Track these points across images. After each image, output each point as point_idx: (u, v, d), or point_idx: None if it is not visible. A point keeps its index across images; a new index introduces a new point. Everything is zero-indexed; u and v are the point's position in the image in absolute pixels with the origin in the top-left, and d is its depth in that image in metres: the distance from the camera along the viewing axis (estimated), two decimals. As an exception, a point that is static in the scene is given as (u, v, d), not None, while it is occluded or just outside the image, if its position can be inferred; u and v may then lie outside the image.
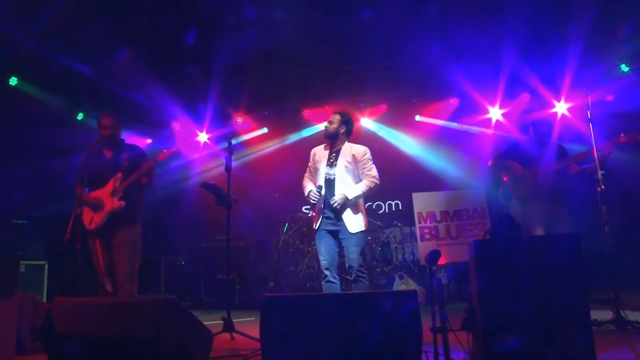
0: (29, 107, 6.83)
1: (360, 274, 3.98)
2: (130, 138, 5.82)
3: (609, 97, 7.00)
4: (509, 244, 2.69)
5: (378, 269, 6.70)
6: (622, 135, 4.26)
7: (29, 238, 6.26)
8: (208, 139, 8.78)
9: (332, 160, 4.19)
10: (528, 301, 2.46)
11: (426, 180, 7.90)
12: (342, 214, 4.02)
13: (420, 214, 6.98)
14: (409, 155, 8.39)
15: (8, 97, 6.64)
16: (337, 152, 4.21)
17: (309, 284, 6.67)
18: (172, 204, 8.09)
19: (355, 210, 4.06)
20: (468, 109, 8.13)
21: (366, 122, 8.53)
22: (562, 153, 4.65)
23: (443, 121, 8.34)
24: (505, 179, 4.82)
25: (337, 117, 4.26)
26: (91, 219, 4.18)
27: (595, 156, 4.07)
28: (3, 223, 6.13)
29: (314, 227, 4.18)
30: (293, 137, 8.79)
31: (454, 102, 8.15)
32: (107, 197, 4.18)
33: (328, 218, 4.07)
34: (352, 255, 3.98)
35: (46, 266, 6.06)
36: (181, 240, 8.27)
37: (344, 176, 4.10)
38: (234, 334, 4.06)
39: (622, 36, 6.39)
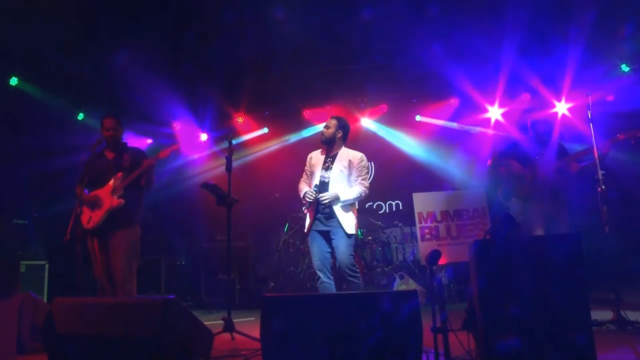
0: (29, 107, 6.84)
1: (351, 273, 3.99)
2: (130, 138, 5.84)
3: (610, 97, 7.00)
4: (509, 244, 2.69)
5: (378, 269, 6.69)
6: (620, 133, 4.26)
7: (30, 238, 6.26)
8: (208, 139, 8.78)
9: (327, 164, 4.22)
10: (528, 301, 2.46)
11: (426, 180, 7.89)
12: (334, 214, 4.05)
13: (420, 214, 6.97)
14: (410, 155, 8.39)
15: (8, 97, 6.65)
16: (334, 157, 4.24)
17: (309, 284, 6.66)
18: (172, 204, 8.09)
19: (347, 213, 4.09)
20: (468, 109, 8.13)
21: (366, 122, 8.53)
22: (562, 152, 4.64)
23: (443, 121, 8.34)
24: (502, 169, 4.80)
25: (333, 122, 4.29)
26: (89, 218, 4.17)
27: (596, 155, 4.06)
28: (3, 223, 6.13)
29: (305, 230, 4.20)
30: (293, 137, 8.78)
31: (454, 102, 8.15)
32: (107, 196, 4.18)
33: (319, 219, 4.10)
34: (342, 255, 4.00)
35: (47, 266, 6.07)
36: (181, 240, 8.27)
37: (338, 180, 4.13)
38: (235, 334, 4.06)
39: (623, 36, 6.39)
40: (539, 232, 4.44)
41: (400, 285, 6.35)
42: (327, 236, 4.10)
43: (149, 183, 4.33)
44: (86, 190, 4.27)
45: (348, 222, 4.05)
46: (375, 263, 6.83)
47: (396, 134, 8.54)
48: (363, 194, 4.15)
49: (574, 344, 2.37)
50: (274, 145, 8.87)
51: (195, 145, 8.77)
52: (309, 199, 4.10)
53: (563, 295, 2.45)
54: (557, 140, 4.71)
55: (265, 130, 8.84)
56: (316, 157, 4.35)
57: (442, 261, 6.03)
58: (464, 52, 6.81)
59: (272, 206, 7.71)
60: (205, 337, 2.94)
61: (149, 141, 8.63)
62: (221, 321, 4.12)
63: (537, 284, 2.47)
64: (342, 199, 4.04)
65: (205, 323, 2.96)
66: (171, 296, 2.63)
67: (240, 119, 8.56)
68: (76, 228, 3.94)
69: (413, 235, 7.27)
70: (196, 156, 8.79)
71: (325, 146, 4.31)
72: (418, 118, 8.43)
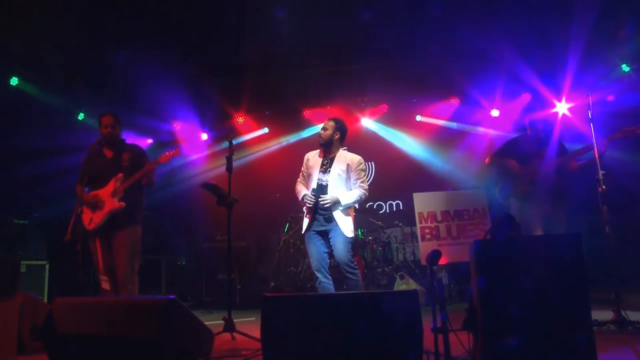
0: (29, 107, 6.84)
1: (349, 270, 3.99)
2: (131, 137, 5.82)
3: (610, 97, 7.00)
4: (510, 243, 2.68)
5: (379, 269, 6.69)
6: (617, 131, 4.25)
7: (30, 238, 6.26)
8: (208, 138, 8.78)
9: (325, 167, 4.20)
10: (529, 301, 2.45)
11: (427, 180, 7.90)
12: (332, 218, 4.04)
13: (421, 214, 6.98)
14: (410, 155, 8.39)
15: (8, 97, 6.65)
16: (332, 159, 4.22)
17: (309, 284, 6.66)
18: (172, 204, 8.09)
19: (347, 217, 4.09)
20: (469, 109, 8.13)
21: (366, 122, 8.53)
22: (561, 151, 4.64)
23: (444, 121, 8.35)
24: (499, 167, 4.79)
25: (331, 124, 4.26)
26: (90, 219, 4.18)
27: (596, 155, 4.06)
28: (3, 223, 6.13)
29: (302, 231, 4.20)
30: (294, 137, 8.78)
31: (454, 102, 8.15)
32: (108, 197, 4.18)
33: (318, 219, 4.10)
34: (340, 252, 4.00)
35: (47, 266, 6.06)
36: (182, 240, 8.27)
37: (336, 183, 4.12)
38: (235, 334, 4.06)
39: (623, 36, 6.38)
40: (538, 231, 4.43)
41: (400, 285, 6.35)
42: (325, 235, 4.10)
43: (150, 183, 4.33)
44: (86, 189, 4.28)
45: (347, 225, 4.06)
46: (376, 263, 6.83)
47: (396, 134, 8.54)
48: (363, 197, 4.15)
49: (575, 344, 2.37)
50: (274, 145, 8.87)
51: (195, 145, 8.77)
52: (309, 204, 4.09)
53: (563, 295, 2.44)
54: (557, 139, 4.70)
55: (266, 130, 8.85)
56: (314, 158, 4.32)
57: (442, 261, 6.05)
58: (465, 52, 6.82)
59: (272, 206, 7.70)
60: (205, 337, 2.94)
61: (149, 141, 8.63)
62: (221, 321, 4.12)
63: (538, 284, 2.46)
64: (342, 203, 4.04)
65: (205, 323, 2.96)
66: (171, 296, 2.62)
67: (240, 119, 8.56)
68: (76, 228, 3.93)
69: (413, 235, 7.28)
70: (196, 156, 8.79)
71: (322, 148, 4.29)
72: (418, 118, 8.44)
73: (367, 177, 4.36)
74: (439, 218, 6.96)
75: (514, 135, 5.67)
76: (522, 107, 7.77)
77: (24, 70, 6.63)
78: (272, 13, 6.28)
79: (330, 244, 4.09)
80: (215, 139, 8.79)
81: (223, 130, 8.56)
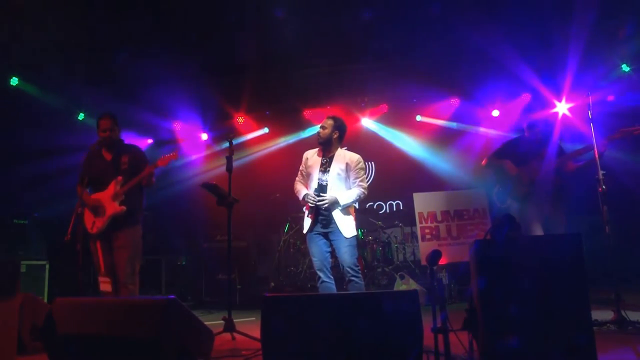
0: (29, 107, 6.84)
1: (353, 274, 3.97)
2: (131, 137, 5.83)
3: (610, 97, 7.00)
4: (510, 244, 2.68)
5: (379, 269, 6.69)
6: (616, 131, 4.25)
7: (30, 238, 6.26)
8: (208, 138, 8.78)
9: (325, 167, 4.18)
10: (529, 301, 2.45)
11: (427, 180, 7.90)
12: (332, 219, 4.03)
13: (421, 214, 6.98)
14: (410, 155, 8.38)
15: (8, 97, 6.65)
16: (331, 159, 4.19)
17: (309, 284, 6.66)
18: (172, 204, 8.09)
19: (347, 215, 4.07)
20: (469, 109, 8.13)
21: (366, 122, 8.52)
22: (560, 152, 4.64)
23: (444, 121, 8.34)
24: (496, 168, 4.78)
25: (329, 122, 4.23)
26: (93, 223, 4.17)
27: (596, 155, 4.06)
28: (3, 223, 6.14)
29: (304, 231, 4.19)
30: (294, 137, 8.78)
31: (454, 102, 8.15)
32: (108, 201, 4.17)
33: (320, 222, 4.07)
34: (344, 255, 3.98)
35: (47, 266, 6.06)
36: (182, 240, 8.27)
37: (336, 183, 4.10)
38: (235, 334, 4.06)
39: (623, 36, 6.39)
40: (538, 232, 4.43)
41: (400, 285, 6.35)
42: (327, 237, 4.09)
43: (150, 184, 4.32)
44: (88, 190, 4.27)
45: (347, 225, 4.03)
46: (376, 263, 6.83)
47: (396, 134, 8.53)
48: (362, 196, 4.13)
49: (575, 344, 2.37)
50: (274, 145, 8.86)
51: (195, 145, 8.77)
52: (311, 204, 4.08)
53: (563, 295, 2.45)
54: (557, 141, 4.70)
55: (266, 130, 8.85)
56: (312, 157, 4.29)
57: (442, 261, 6.04)
58: (465, 52, 6.82)
59: (272, 206, 7.70)
60: (205, 337, 2.94)
61: (149, 141, 8.64)
62: (221, 321, 4.12)
63: (538, 284, 2.47)
64: (341, 203, 4.02)
65: (205, 323, 2.96)
66: (172, 296, 2.62)
67: (240, 119, 8.56)
68: (77, 228, 3.93)
69: (413, 235, 7.28)
70: (196, 156, 8.79)
71: (321, 147, 4.26)
72: (418, 118, 8.43)
73: (366, 176, 4.32)
74: (439, 218, 6.96)
75: (514, 135, 5.69)
76: (522, 107, 7.77)
77: (24, 70, 6.63)
78: (272, 13, 6.29)
79: (334, 247, 4.06)
80: (215, 139, 8.79)
81: (223, 130, 8.56)
